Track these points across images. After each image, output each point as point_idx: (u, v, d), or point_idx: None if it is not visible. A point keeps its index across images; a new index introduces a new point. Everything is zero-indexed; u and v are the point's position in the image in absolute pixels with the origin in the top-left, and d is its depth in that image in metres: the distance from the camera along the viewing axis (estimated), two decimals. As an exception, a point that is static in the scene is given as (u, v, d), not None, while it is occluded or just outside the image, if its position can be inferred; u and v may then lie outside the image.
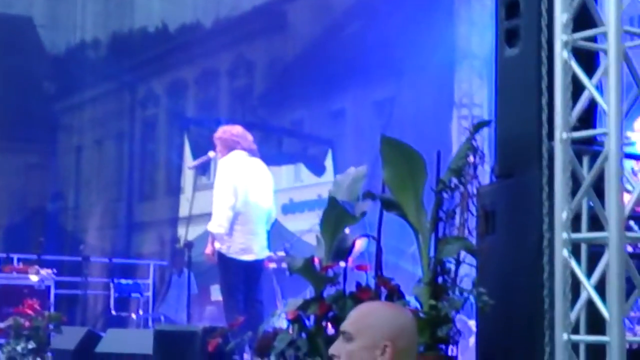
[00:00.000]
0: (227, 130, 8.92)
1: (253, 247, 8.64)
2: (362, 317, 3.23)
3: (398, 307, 3.66)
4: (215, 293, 12.93)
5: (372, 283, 5.30)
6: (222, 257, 8.59)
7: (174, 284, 13.76)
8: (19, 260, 14.11)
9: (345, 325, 3.25)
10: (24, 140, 26.46)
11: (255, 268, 8.69)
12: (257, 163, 8.90)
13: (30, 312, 8.19)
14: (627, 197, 4.12)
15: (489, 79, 14.44)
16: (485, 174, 5.28)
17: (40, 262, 12.93)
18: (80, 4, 26.23)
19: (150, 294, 14.58)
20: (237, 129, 8.96)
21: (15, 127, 24.95)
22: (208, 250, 8.69)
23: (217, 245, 8.59)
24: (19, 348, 7.95)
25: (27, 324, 8.10)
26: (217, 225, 8.56)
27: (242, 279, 8.57)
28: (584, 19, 4.17)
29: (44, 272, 12.25)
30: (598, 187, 4.08)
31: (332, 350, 3.25)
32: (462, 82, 15.51)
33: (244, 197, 8.61)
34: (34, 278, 12.03)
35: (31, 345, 7.95)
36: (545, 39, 4.30)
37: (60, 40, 26.71)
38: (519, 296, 4.64)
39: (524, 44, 4.86)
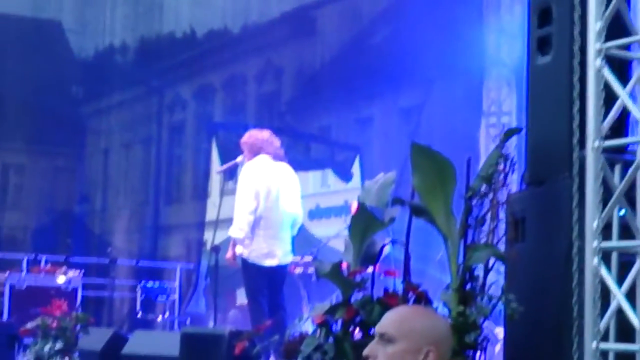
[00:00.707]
0: (253, 135, 8.91)
1: (276, 252, 8.63)
2: (404, 320, 3.20)
3: (436, 312, 3.65)
4: (241, 297, 12.96)
5: (399, 289, 5.31)
6: (244, 262, 8.59)
7: (201, 282, 13.80)
8: (46, 261, 14.21)
9: (384, 327, 3.21)
10: (52, 143, 26.63)
11: (278, 273, 8.68)
12: (283, 167, 8.88)
13: (57, 312, 8.22)
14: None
15: (518, 88, 14.42)
16: (514, 182, 5.27)
17: (68, 264, 13.01)
18: (109, 8, 26.37)
19: (176, 296, 14.62)
20: (264, 134, 8.94)
21: (43, 131, 25.13)
22: (229, 254, 8.70)
23: (239, 250, 8.59)
24: (46, 348, 7.99)
25: (54, 324, 8.14)
26: (237, 229, 8.57)
27: (266, 284, 8.56)
28: (617, 27, 4.17)
29: (71, 273, 12.32)
30: (630, 196, 4.07)
31: (367, 351, 3.21)
32: (491, 90, 15.48)
33: (266, 202, 8.59)
34: (61, 279, 12.10)
35: (58, 345, 7.99)
36: (577, 47, 4.29)
37: (89, 45, 26.86)
38: (547, 304, 4.63)
39: (556, 51, 4.85)
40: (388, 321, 3.22)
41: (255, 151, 8.76)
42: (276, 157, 8.83)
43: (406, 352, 3.13)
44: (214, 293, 9.50)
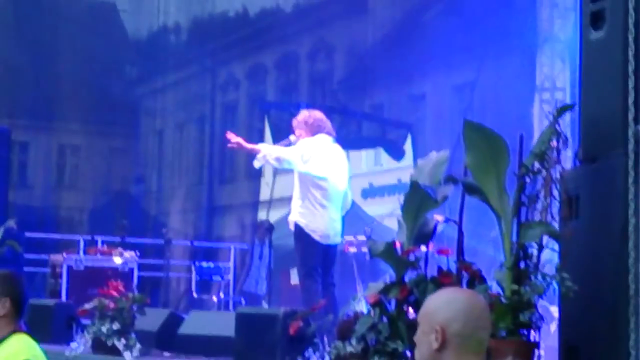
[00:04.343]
0: (311, 115, 8.93)
1: (329, 231, 8.63)
2: (424, 304, 3.25)
3: (462, 292, 3.60)
4: (295, 276, 12.98)
5: (453, 267, 5.29)
6: (300, 231, 8.54)
7: (255, 262, 13.85)
8: (103, 242, 14.34)
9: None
10: (107, 124, 26.86)
11: (330, 252, 8.68)
12: (338, 150, 8.90)
13: (114, 293, 8.29)
14: None
15: (571, 63, 14.28)
16: (568, 159, 5.22)
17: (124, 245, 13.09)
18: (162, -11, 26.54)
19: (231, 276, 14.69)
20: (319, 114, 8.98)
21: (98, 112, 25.36)
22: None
23: (296, 217, 8.55)
24: (104, 329, 8.06)
25: (111, 305, 8.20)
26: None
27: (320, 261, 8.56)
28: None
29: (128, 254, 12.39)
30: (685, 172, 4.02)
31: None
32: (544, 65, 15.35)
33: (324, 181, 8.59)
34: (117, 260, 12.18)
35: (115, 326, 8.05)
36: (632, 22, 4.23)
37: (142, 25, 27.04)
38: (603, 282, 4.59)
39: (610, 26, 4.79)
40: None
41: (315, 130, 8.77)
42: (332, 137, 8.87)
43: (423, 334, 3.17)
44: (268, 272, 9.53)
